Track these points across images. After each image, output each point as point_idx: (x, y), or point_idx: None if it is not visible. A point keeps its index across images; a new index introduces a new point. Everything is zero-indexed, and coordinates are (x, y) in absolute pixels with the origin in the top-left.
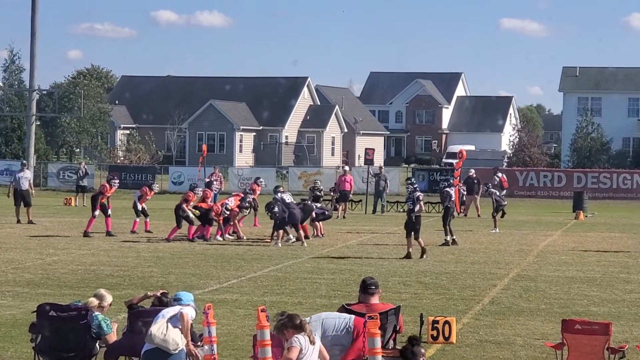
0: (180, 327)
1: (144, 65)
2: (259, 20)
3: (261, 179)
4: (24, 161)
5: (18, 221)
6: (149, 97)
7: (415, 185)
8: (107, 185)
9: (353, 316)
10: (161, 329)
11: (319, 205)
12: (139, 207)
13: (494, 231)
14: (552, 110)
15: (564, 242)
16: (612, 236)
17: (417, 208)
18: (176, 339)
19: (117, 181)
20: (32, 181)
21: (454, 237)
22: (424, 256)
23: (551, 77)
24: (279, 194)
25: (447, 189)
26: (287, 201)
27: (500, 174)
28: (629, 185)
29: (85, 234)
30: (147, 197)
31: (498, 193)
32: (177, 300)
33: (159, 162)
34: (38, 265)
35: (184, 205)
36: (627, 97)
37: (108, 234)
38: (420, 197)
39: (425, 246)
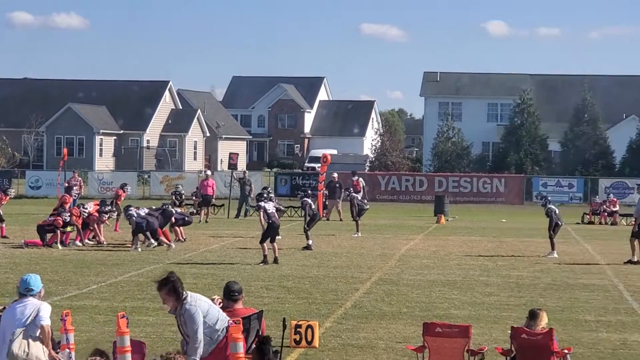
0: (41, 337)
1: (1, 68)
2: (117, 23)
3: (128, 186)
4: None
5: None
6: (4, 100)
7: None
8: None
9: (230, 320)
10: (22, 347)
11: (179, 210)
12: None
13: (356, 235)
14: (413, 114)
15: (425, 246)
16: (472, 240)
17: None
18: (39, 356)
19: (13, 190)
20: None
21: (311, 242)
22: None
23: (412, 82)
24: (132, 210)
25: (306, 199)
26: (142, 214)
27: (355, 177)
28: (489, 189)
29: None
30: (3, 202)
31: (359, 197)
32: (29, 291)
33: (16, 166)
34: None
35: None
36: (487, 103)
37: None
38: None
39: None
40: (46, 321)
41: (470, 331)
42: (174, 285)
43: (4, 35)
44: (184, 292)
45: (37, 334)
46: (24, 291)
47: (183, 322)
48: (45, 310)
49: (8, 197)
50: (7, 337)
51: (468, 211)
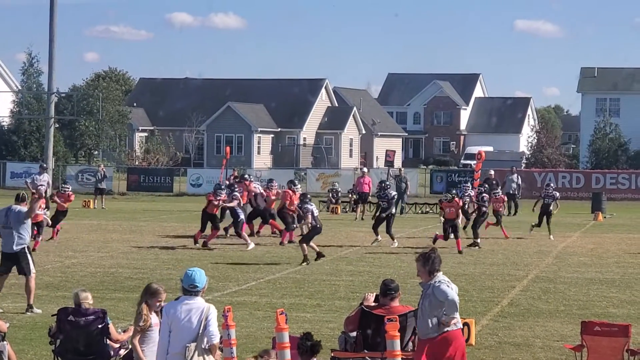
0: (211, 351)
1: (161, 68)
2: (274, 22)
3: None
4: (43, 164)
5: None
6: (166, 99)
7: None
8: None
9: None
10: None
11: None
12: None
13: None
14: (570, 111)
15: (582, 244)
16: (631, 237)
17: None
18: None
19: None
20: (51, 183)
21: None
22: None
23: (569, 78)
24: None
25: (485, 194)
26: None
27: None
28: None
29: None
30: (215, 203)
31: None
32: (194, 288)
33: (178, 164)
34: (57, 267)
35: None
36: None
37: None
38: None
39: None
40: (216, 339)
41: (630, 330)
42: (432, 261)
43: (165, 36)
44: (437, 273)
45: (208, 347)
46: (189, 288)
47: (429, 295)
48: (215, 323)
49: (219, 198)
50: (174, 338)
51: (626, 208)
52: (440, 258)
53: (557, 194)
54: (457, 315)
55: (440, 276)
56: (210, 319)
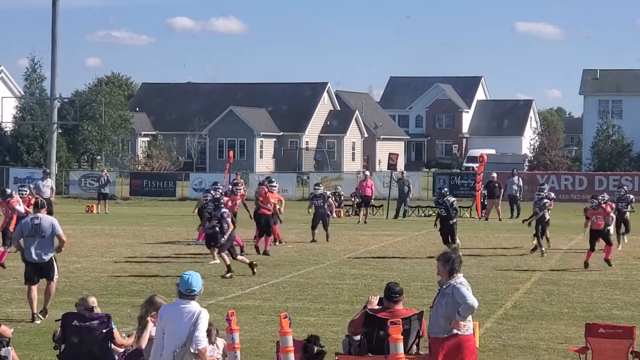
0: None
1: (163, 72)
2: (275, 26)
3: None
4: (47, 169)
5: None
6: (169, 103)
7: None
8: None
9: (390, 320)
10: None
11: None
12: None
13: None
14: (572, 113)
15: (586, 246)
16: (634, 239)
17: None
18: None
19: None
20: (54, 189)
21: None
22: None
23: (571, 80)
24: None
25: (547, 199)
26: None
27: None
28: None
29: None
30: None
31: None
32: (191, 292)
33: (180, 169)
34: (61, 272)
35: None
36: None
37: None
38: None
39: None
40: (202, 344)
41: (635, 332)
42: (453, 261)
43: (166, 41)
44: (457, 273)
45: (196, 352)
46: (186, 292)
47: (447, 294)
48: (203, 328)
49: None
50: (166, 341)
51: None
52: (460, 259)
53: (632, 196)
54: (469, 320)
55: (460, 277)
56: (199, 323)
